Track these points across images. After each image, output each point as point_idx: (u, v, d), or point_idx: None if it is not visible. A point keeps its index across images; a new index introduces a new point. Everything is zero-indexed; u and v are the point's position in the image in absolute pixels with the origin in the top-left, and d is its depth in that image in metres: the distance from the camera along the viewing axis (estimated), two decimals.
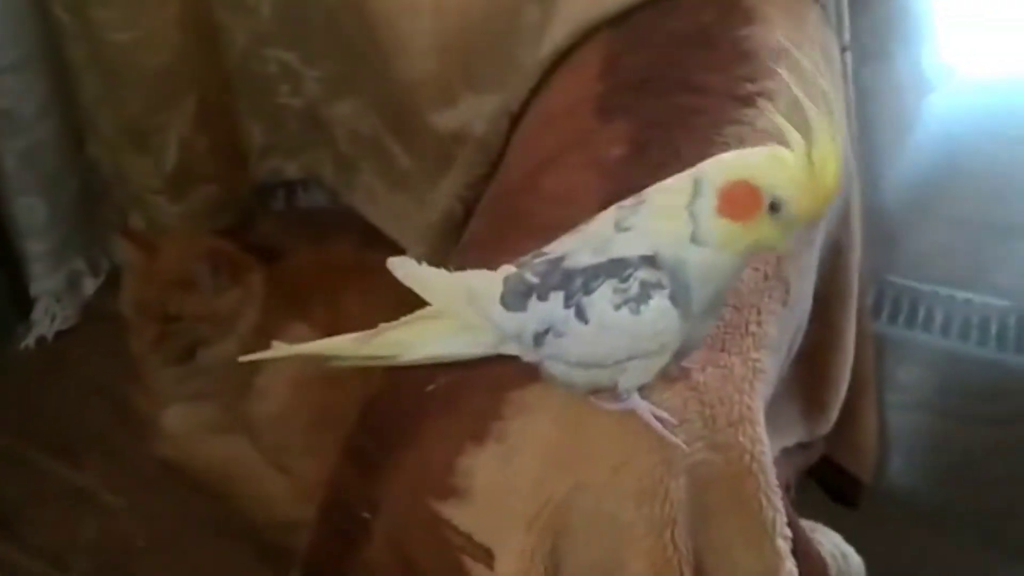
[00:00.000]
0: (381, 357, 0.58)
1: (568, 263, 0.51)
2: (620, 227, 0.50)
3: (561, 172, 0.66)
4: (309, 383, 1.14)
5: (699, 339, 0.52)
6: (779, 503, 0.54)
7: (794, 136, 0.47)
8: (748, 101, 0.67)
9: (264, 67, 1.22)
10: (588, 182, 0.60)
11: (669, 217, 0.48)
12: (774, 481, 0.54)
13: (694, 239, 0.48)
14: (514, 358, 0.54)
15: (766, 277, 0.60)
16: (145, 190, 1.23)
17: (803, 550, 0.56)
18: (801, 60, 0.54)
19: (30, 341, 1.27)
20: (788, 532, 0.54)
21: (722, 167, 0.48)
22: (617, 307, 0.49)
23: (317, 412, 1.13)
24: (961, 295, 1.11)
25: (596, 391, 0.52)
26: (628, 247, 0.49)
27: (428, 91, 1.13)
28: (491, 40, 1.09)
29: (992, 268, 1.08)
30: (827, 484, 1.03)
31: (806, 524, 0.60)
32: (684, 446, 0.51)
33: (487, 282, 0.54)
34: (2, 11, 1.14)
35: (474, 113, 1.13)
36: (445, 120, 1.14)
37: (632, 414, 0.52)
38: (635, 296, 0.49)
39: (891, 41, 0.99)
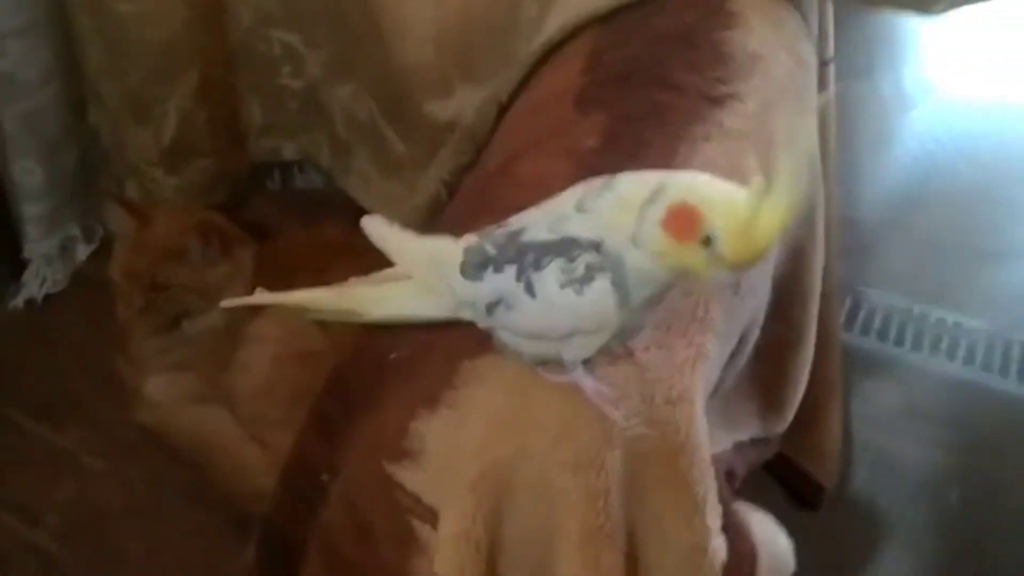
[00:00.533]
0: (349, 311, 0.60)
1: (524, 237, 0.53)
2: (580, 208, 0.52)
3: (536, 159, 0.68)
4: (288, 359, 1.16)
5: (642, 324, 0.54)
6: (711, 481, 0.56)
7: (755, 186, 0.48)
8: (719, 101, 0.69)
9: (268, 47, 1.24)
10: (559, 169, 0.62)
11: (624, 210, 0.50)
12: (707, 459, 0.56)
13: (634, 239, 0.50)
14: (470, 325, 0.56)
15: None
16: (142, 161, 1.25)
17: (733, 527, 0.58)
18: (774, 66, 0.56)
19: (19, 302, 1.30)
20: (719, 509, 0.56)
21: (683, 184, 0.50)
22: (562, 286, 0.51)
23: (295, 388, 1.15)
24: (934, 313, 1.13)
25: (543, 362, 0.55)
26: (581, 229, 0.51)
27: (425, 80, 1.15)
28: (490, 33, 1.11)
29: (965, 288, 1.10)
30: (789, 486, 1.05)
31: (739, 506, 0.62)
32: (622, 420, 0.53)
33: (449, 249, 0.56)
34: None
35: (468, 104, 1.15)
36: (440, 109, 1.16)
37: (575, 388, 0.54)
38: (579, 277, 0.51)
39: (876, 59, 1.02)
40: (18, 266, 1.33)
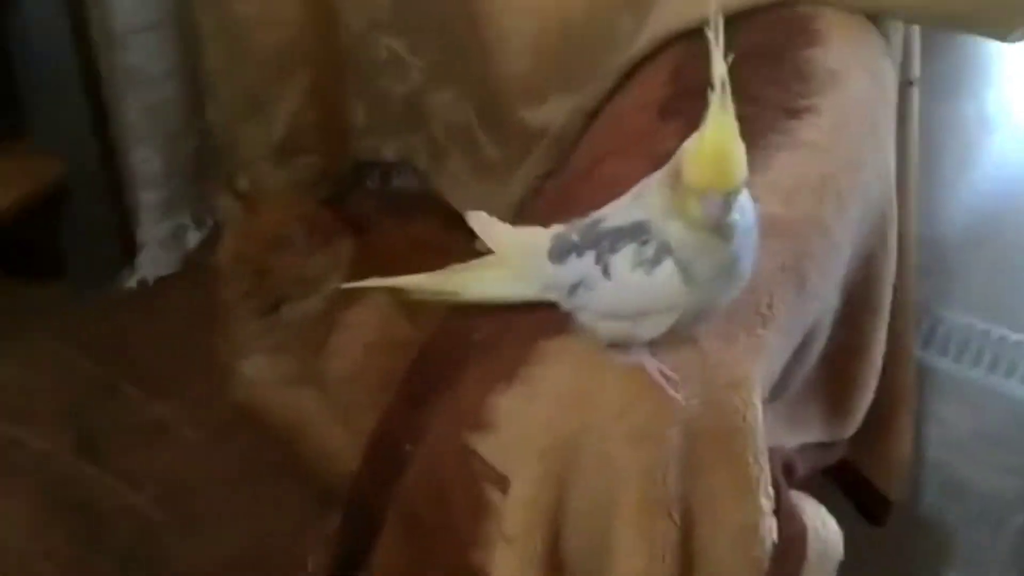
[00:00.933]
0: (447, 292, 0.66)
1: (603, 225, 0.58)
2: (638, 195, 0.57)
3: (617, 162, 0.73)
4: (381, 347, 1.22)
5: (713, 306, 0.58)
6: (765, 464, 0.59)
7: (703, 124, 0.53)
8: (796, 114, 0.72)
9: (375, 52, 1.31)
10: (638, 169, 0.66)
11: (658, 190, 0.56)
12: (763, 443, 0.59)
13: (668, 213, 0.54)
14: (549, 308, 0.61)
15: (783, 268, 0.66)
16: (253, 156, 1.33)
17: (786, 511, 0.61)
18: (852, 84, 0.60)
19: (132, 282, 1.38)
20: (771, 492, 0.60)
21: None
22: (634, 267, 0.56)
23: (384, 375, 1.20)
24: (1012, 336, 1.14)
25: (615, 343, 0.59)
26: (640, 212, 0.56)
27: (521, 88, 1.20)
28: (586, 45, 1.16)
29: None
30: (857, 499, 1.07)
31: (792, 492, 0.66)
32: (682, 400, 0.57)
33: (539, 237, 0.62)
34: None
35: (560, 112, 1.20)
36: (534, 116, 1.21)
37: (639, 368, 0.58)
38: (649, 259, 0.55)
39: (960, 82, 1.04)
40: (130, 250, 1.42)
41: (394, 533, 0.71)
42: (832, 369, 0.82)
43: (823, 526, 0.68)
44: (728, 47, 0.84)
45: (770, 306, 0.63)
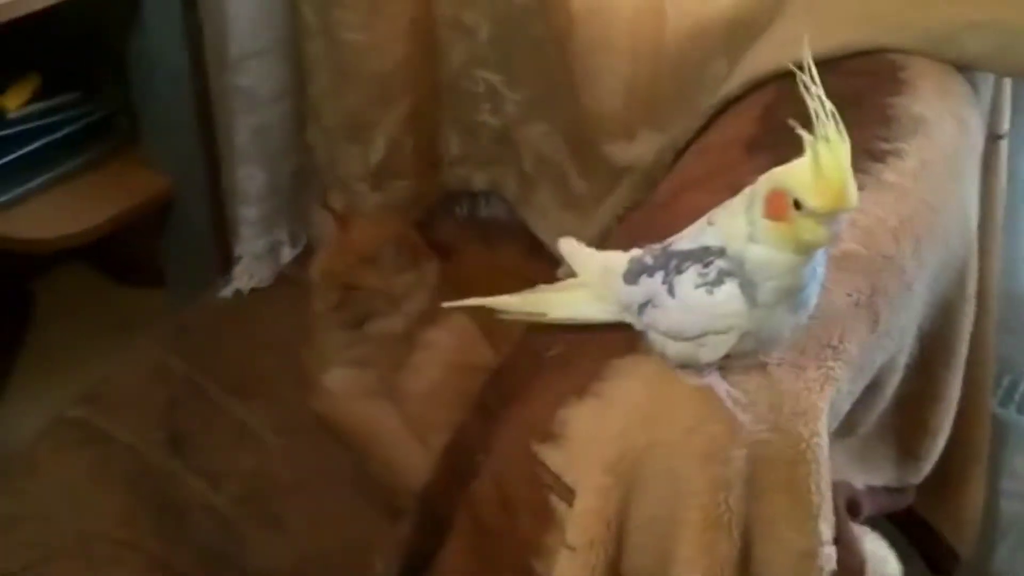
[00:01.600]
0: (533, 312, 0.69)
1: (673, 247, 0.61)
2: (710, 221, 0.60)
3: (697, 194, 0.75)
4: (458, 368, 1.25)
5: (777, 332, 0.59)
6: (827, 493, 0.61)
7: (809, 139, 0.56)
8: (878, 156, 0.74)
9: (473, 85, 1.35)
10: (715, 200, 0.68)
11: (734, 217, 0.58)
12: (826, 472, 0.60)
13: (751, 238, 0.57)
14: (621, 329, 0.64)
15: (857, 304, 0.67)
16: (351, 177, 1.38)
17: (846, 542, 0.62)
18: (937, 131, 0.61)
19: (227, 292, 1.44)
20: (832, 520, 0.61)
21: (768, 179, 0.57)
22: (697, 287, 0.59)
23: (459, 395, 1.24)
24: None
25: (683, 364, 0.61)
26: (712, 239, 0.59)
27: (611, 125, 1.24)
28: (678, 87, 1.19)
29: None
30: (925, 551, 1.06)
31: (855, 527, 0.67)
32: (749, 423, 0.59)
33: (617, 261, 0.65)
34: (260, 3, 1.32)
35: (648, 149, 1.23)
36: (621, 153, 1.24)
37: (709, 389, 0.60)
38: (712, 280, 0.58)
39: None
40: (227, 263, 1.48)
41: (461, 539, 0.74)
42: (905, 414, 0.82)
43: (883, 561, 0.69)
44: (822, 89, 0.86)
45: (841, 340, 0.64)
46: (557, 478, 0.64)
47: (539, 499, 0.65)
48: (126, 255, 1.74)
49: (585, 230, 1.29)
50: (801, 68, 0.89)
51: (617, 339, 0.64)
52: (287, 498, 1.21)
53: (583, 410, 0.63)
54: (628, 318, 0.64)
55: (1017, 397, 1.15)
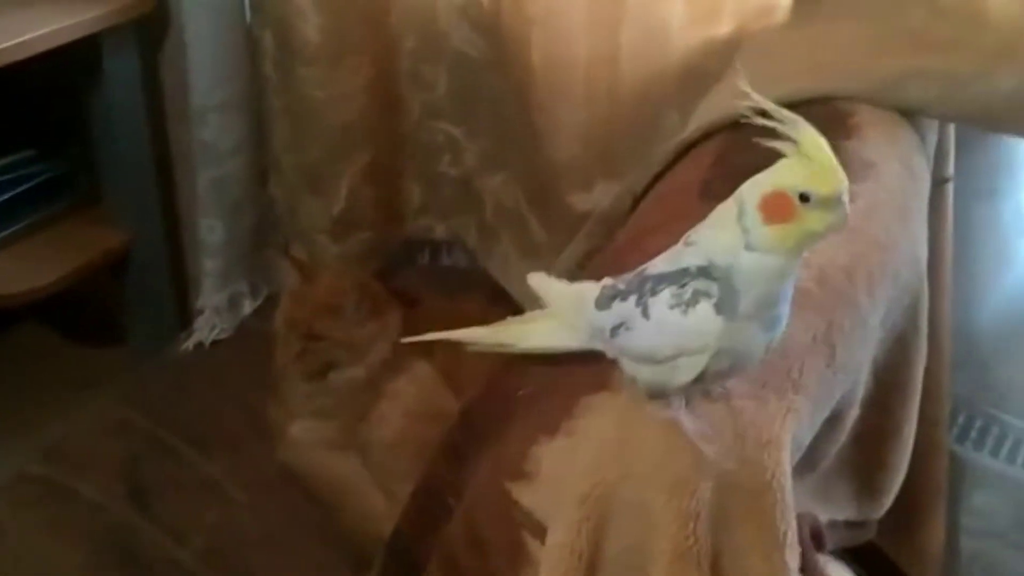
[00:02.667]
0: (503, 344, 0.70)
1: (647, 271, 0.63)
2: (687, 242, 0.62)
3: (661, 238, 0.77)
4: (422, 416, 1.26)
5: (750, 349, 0.61)
6: (792, 522, 0.62)
7: (785, 145, 0.58)
8: None
9: (433, 137, 1.38)
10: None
11: (723, 229, 0.60)
12: (790, 502, 0.62)
13: (748, 247, 0.58)
14: (594, 365, 0.65)
15: (814, 339, 0.69)
16: (312, 228, 1.39)
17: (811, 570, 0.64)
18: (885, 174, 0.64)
19: (189, 345, 1.44)
20: (798, 549, 0.62)
21: (754, 187, 0.60)
22: (671, 307, 0.60)
23: (424, 444, 1.24)
24: None
25: (655, 391, 0.63)
26: (690, 258, 0.61)
27: (569, 174, 1.26)
28: (633, 137, 1.22)
29: None
30: None
31: (820, 557, 0.68)
32: (714, 455, 0.61)
33: (589, 290, 0.66)
34: (221, 59, 1.34)
35: (606, 197, 1.25)
36: (581, 202, 1.27)
37: (676, 422, 0.62)
38: (687, 300, 0.60)
39: (997, 181, 1.08)
40: (187, 316, 1.48)
41: None
42: (863, 449, 0.84)
43: None
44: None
45: (801, 373, 0.66)
46: (529, 515, 0.65)
47: (512, 537, 0.66)
48: (85, 313, 1.73)
49: None
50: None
51: (586, 376, 0.66)
52: (254, 552, 1.20)
53: (554, 448, 0.64)
54: (599, 345, 0.65)
55: (973, 434, 1.18)
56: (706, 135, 0.95)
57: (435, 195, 1.43)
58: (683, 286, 0.60)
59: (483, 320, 1.31)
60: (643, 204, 0.93)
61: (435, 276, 1.52)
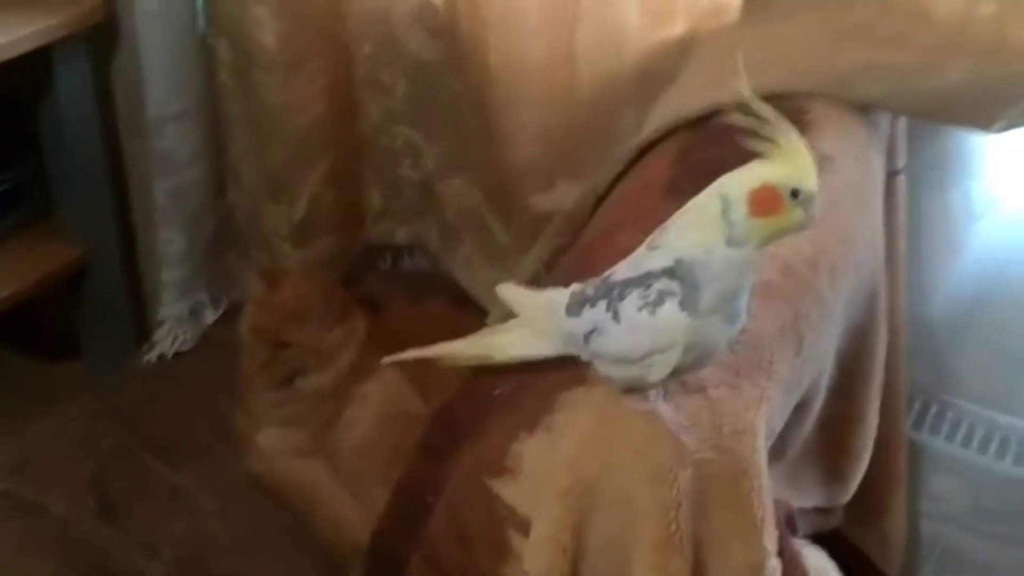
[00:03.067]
0: (479, 356, 0.71)
1: (613, 278, 0.64)
2: (651, 246, 0.63)
3: (629, 234, 0.79)
4: (391, 420, 1.26)
5: (714, 342, 0.63)
6: (769, 506, 0.64)
7: (763, 143, 0.60)
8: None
9: (392, 141, 1.38)
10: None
11: (703, 228, 0.61)
12: (766, 487, 0.64)
13: (730, 241, 0.60)
14: (567, 365, 0.67)
15: (782, 329, 0.71)
16: (274, 235, 1.39)
17: (788, 555, 0.66)
18: (842, 168, 0.66)
19: (152, 357, 1.43)
20: (775, 533, 0.64)
21: (739, 182, 0.61)
22: (639, 309, 0.62)
23: (394, 448, 1.25)
24: (1000, 417, 1.19)
25: (629, 389, 0.64)
26: (655, 262, 0.62)
27: (530, 176, 1.28)
28: (591, 136, 1.24)
29: (1018, 389, 1.16)
30: (854, 573, 1.10)
31: (796, 541, 0.70)
32: (693, 444, 0.62)
33: (559, 296, 0.68)
34: (175, 68, 1.33)
35: (567, 197, 1.27)
36: (542, 202, 1.28)
37: (654, 413, 0.64)
38: (653, 301, 0.62)
39: (946, 173, 1.11)
40: (144, 329, 1.47)
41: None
42: (829, 437, 0.87)
43: (823, 572, 0.72)
44: (727, 134, 0.91)
45: (771, 362, 0.68)
46: (512, 511, 0.66)
47: (495, 533, 0.67)
48: (42, 328, 1.71)
49: (511, 279, 1.32)
50: (704, 118, 0.95)
51: (563, 374, 0.67)
52: (225, 560, 1.19)
53: (535, 443, 0.66)
54: (573, 350, 0.66)
55: (929, 420, 1.21)
56: (666, 134, 0.97)
57: (396, 199, 1.44)
58: (648, 287, 0.62)
59: (449, 323, 1.32)
60: (607, 203, 0.94)
61: (398, 280, 1.52)
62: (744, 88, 0.60)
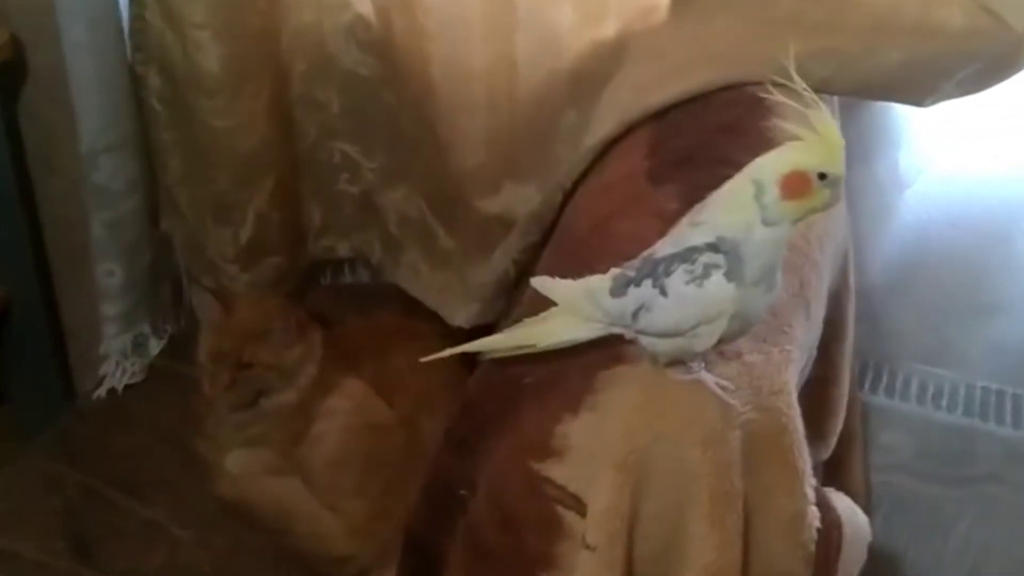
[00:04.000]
0: (524, 346, 0.73)
1: (655, 255, 0.68)
2: (693, 223, 0.68)
3: (627, 220, 0.83)
4: (359, 431, 1.28)
5: (757, 311, 0.67)
6: (808, 458, 0.69)
7: (799, 129, 0.65)
8: None
9: (329, 156, 1.40)
10: (651, 227, 0.76)
11: (739, 210, 0.65)
12: (803, 439, 0.69)
13: (765, 221, 0.64)
14: (601, 347, 0.70)
15: (794, 295, 0.77)
16: (220, 259, 1.39)
17: (823, 503, 0.71)
18: None
19: (102, 392, 1.41)
20: (814, 481, 0.70)
21: (770, 167, 0.65)
22: (687, 283, 0.66)
23: (366, 457, 1.27)
24: (934, 369, 1.28)
25: (674, 361, 0.68)
26: (698, 237, 0.66)
27: (476, 180, 1.31)
28: (535, 137, 1.28)
29: (959, 344, 1.25)
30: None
31: (825, 489, 0.76)
32: (739, 406, 0.67)
33: (600, 281, 0.71)
34: (106, 99, 1.32)
35: (514, 199, 1.31)
36: (488, 205, 1.32)
37: (699, 382, 0.68)
38: (700, 275, 0.65)
39: (873, 146, 1.19)
40: (96, 362, 1.44)
41: (459, 571, 0.78)
42: (812, 397, 0.92)
43: (853, 513, 0.78)
44: (701, 123, 0.97)
45: (790, 326, 0.74)
46: (563, 489, 0.69)
47: (545, 513, 0.70)
48: None
49: (459, 283, 1.36)
50: (666, 110, 1.01)
51: (599, 355, 0.71)
52: None
53: (580, 423, 0.69)
54: (617, 329, 0.70)
55: (870, 377, 1.29)
56: (628, 129, 1.02)
57: (336, 214, 1.45)
58: (693, 262, 0.66)
59: (401, 331, 1.36)
60: (583, 197, 0.98)
61: (343, 294, 1.54)
62: (789, 70, 0.64)
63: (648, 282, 0.67)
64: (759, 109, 0.93)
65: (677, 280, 0.66)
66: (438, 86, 1.26)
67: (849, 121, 1.15)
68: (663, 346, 0.68)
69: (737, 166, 0.74)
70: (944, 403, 1.27)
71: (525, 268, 1.13)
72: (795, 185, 0.64)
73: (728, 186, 0.66)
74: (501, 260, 1.17)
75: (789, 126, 0.65)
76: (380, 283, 1.49)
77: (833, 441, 0.99)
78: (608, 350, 0.71)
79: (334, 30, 1.32)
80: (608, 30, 1.24)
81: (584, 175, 1.05)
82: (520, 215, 1.24)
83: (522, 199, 1.30)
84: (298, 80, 1.35)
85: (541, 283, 0.74)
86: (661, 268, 0.67)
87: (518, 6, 1.22)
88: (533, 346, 0.72)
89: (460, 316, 1.33)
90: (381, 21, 1.29)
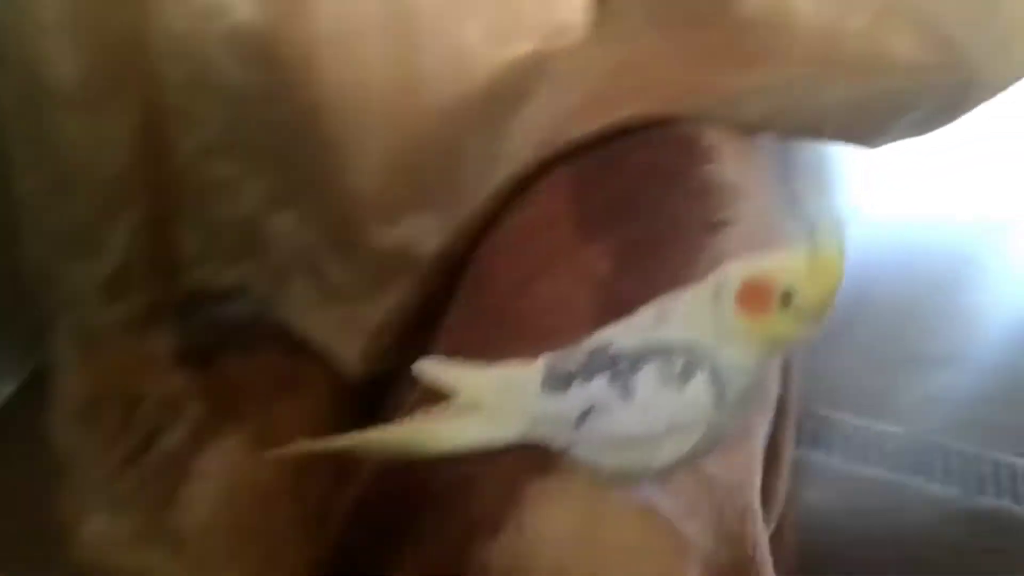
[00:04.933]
0: (412, 448, 0.60)
1: (614, 348, 0.55)
2: (661, 319, 0.55)
3: (551, 283, 0.71)
4: (236, 494, 1.15)
5: (731, 428, 0.56)
6: None
7: (801, 235, 0.52)
8: (715, 228, 0.74)
9: (207, 176, 1.25)
10: (581, 293, 0.65)
11: (699, 317, 0.54)
12: (771, 569, 0.58)
13: (720, 337, 0.53)
14: (522, 451, 0.58)
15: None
16: (81, 293, 1.23)
17: None
18: (749, 194, 0.61)
19: None
20: None
21: (739, 270, 0.53)
22: (663, 384, 0.54)
23: (244, 525, 1.14)
24: (862, 422, 1.21)
25: (621, 475, 0.56)
26: (670, 331, 0.54)
27: (373, 207, 1.18)
28: (439, 163, 1.16)
29: (891, 396, 1.18)
30: None
31: None
32: (695, 536, 0.56)
33: (524, 371, 0.58)
34: None
35: (416, 230, 1.18)
36: (386, 236, 1.19)
37: (650, 506, 0.56)
38: (679, 374, 0.53)
39: (807, 187, 1.11)
40: None
41: None
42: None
43: None
44: (630, 163, 0.86)
45: (758, 424, 0.63)
46: None
47: None
48: None
49: (353, 325, 1.23)
50: (587, 147, 0.89)
51: (522, 462, 0.58)
52: None
53: (503, 548, 0.57)
54: (544, 432, 0.57)
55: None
56: (542, 168, 0.90)
57: (215, 242, 1.30)
58: (668, 360, 0.54)
59: (287, 373, 1.23)
60: (498, 241, 0.86)
61: (222, 329, 1.38)
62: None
63: (602, 379, 0.55)
64: (696, 151, 0.83)
65: (648, 379, 0.54)
66: (331, 102, 1.13)
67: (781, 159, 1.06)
68: (611, 459, 0.56)
69: (671, 218, 0.63)
70: (871, 458, 1.20)
71: (422, 312, 1.01)
72: (752, 296, 0.51)
73: (698, 285, 0.54)
74: (381, 308, 1.05)
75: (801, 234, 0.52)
76: (264, 319, 1.34)
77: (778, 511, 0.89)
78: (531, 454, 0.58)
79: (214, 39, 1.17)
80: (521, 48, 1.12)
81: (497, 215, 0.93)
82: (422, 247, 1.14)
83: (425, 230, 1.17)
84: (172, 93, 1.19)
85: (426, 369, 0.60)
86: (624, 364, 0.54)
87: (421, 17, 1.10)
88: (426, 451, 0.59)
89: (351, 361, 1.20)
90: (267, 28, 1.15)
